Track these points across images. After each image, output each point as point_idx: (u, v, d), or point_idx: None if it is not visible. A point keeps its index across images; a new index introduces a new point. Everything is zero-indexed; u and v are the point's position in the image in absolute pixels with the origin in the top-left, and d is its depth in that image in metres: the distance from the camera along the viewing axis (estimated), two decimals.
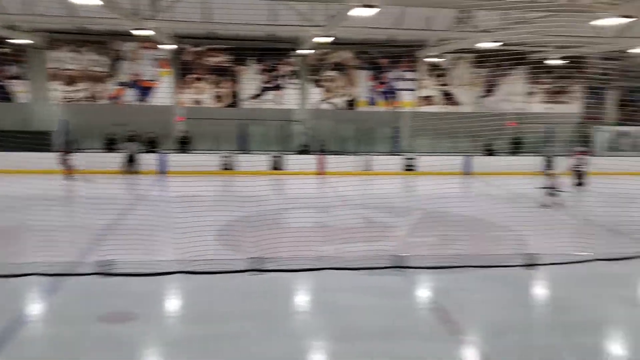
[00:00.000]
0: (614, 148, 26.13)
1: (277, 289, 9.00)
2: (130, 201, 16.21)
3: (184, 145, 23.54)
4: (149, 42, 22.31)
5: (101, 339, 7.12)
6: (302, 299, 9.10)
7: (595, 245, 11.06)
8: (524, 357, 6.97)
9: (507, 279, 9.65)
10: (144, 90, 23.19)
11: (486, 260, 10.26)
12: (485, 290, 9.30)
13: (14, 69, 22.88)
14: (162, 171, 22.32)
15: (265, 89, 23.80)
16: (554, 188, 16.37)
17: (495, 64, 24.84)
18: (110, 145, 22.92)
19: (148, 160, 22.09)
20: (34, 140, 19.92)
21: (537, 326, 7.88)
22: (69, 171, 19.31)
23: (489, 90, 25.28)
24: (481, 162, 23.76)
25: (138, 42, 22.46)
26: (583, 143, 25.84)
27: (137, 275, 9.22)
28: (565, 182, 18.86)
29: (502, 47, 21.00)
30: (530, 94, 25.54)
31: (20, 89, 23.05)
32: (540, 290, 9.75)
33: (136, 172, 21.96)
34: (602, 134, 26.19)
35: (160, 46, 22.11)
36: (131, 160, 21.98)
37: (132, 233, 10.84)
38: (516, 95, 25.37)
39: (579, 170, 20.31)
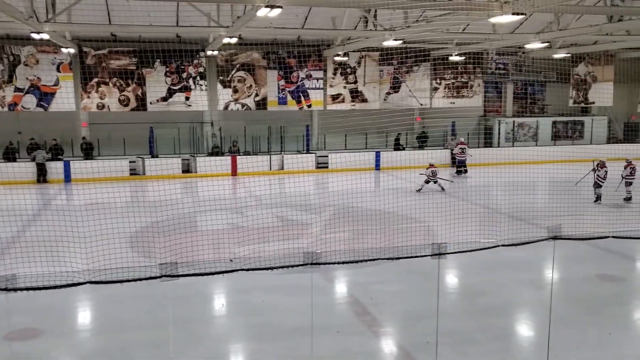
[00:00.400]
0: (514, 139, 27.78)
1: (193, 293, 8.88)
2: (35, 211, 15.34)
3: (88, 151, 22.56)
4: (48, 46, 21.18)
5: (8, 357, 6.76)
6: (218, 302, 9.03)
7: (499, 231, 11.74)
8: (438, 342, 7.30)
9: (418, 269, 10.03)
10: (45, 95, 21.96)
11: (398, 252, 10.61)
12: (398, 282, 9.66)
13: None
14: (68, 179, 21.34)
15: (173, 91, 23.23)
16: (433, 176, 18.62)
17: (400, 61, 25.68)
18: (9, 154, 21.54)
19: (53, 168, 21.04)
20: None
21: (449, 312, 8.27)
22: None
23: (395, 87, 26.07)
24: (390, 157, 24.48)
25: (36, 45, 21.26)
26: (485, 135, 27.37)
27: (43, 289, 8.75)
28: (446, 171, 20.42)
29: (405, 45, 21.72)
30: (435, 89, 26.61)
31: None
32: (450, 278, 10.23)
33: (45, 181, 21.00)
34: (502, 125, 27.76)
35: (60, 50, 21.07)
36: (40, 169, 21.05)
37: (36, 244, 10.29)
38: (421, 91, 26.34)
39: (459, 159, 21.99)
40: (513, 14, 13.14)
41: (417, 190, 18.42)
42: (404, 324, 8.03)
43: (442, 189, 18.72)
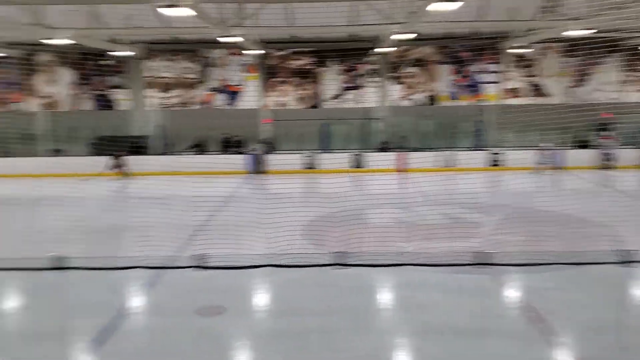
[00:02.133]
0: None
1: (361, 284, 9.17)
2: (223, 199, 16.78)
3: (268, 146, 24.26)
4: (236, 49, 23.16)
5: (197, 331, 7.56)
6: (386, 295, 9.21)
7: None
8: (619, 358, 6.73)
9: (601, 278, 9.28)
10: (232, 94, 24.13)
11: (578, 258, 9.90)
12: (577, 290, 8.99)
13: (115, 79, 24.51)
14: (250, 171, 23.17)
15: (345, 89, 24.06)
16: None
17: (587, 52, 23.69)
18: (199, 147, 24.01)
19: (236, 160, 22.86)
20: (132, 144, 21.55)
21: (636, 327, 7.56)
22: (165, 172, 21.06)
23: (580, 80, 24.13)
24: (573, 155, 22.72)
25: (226, 49, 23.41)
26: None
27: (229, 269, 9.69)
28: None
29: (593, 35, 19.98)
30: (625, 82, 24.12)
31: (120, 97, 24.66)
32: (638, 289, 9.31)
33: (262, 172, 22.91)
34: None
35: (246, 52, 22.91)
36: (258, 160, 23.04)
37: (224, 229, 11.38)
38: (610, 84, 24.04)
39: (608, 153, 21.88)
40: None
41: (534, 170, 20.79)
42: (583, 336, 7.48)
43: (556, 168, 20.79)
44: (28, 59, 23.92)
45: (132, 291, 9.22)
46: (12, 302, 9.10)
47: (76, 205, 14.17)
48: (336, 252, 9.95)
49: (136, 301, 8.89)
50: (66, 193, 14.76)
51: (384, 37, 21.54)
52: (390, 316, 8.30)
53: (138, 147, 22.82)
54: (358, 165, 23.63)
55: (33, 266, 9.90)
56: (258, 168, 23.17)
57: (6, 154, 23.84)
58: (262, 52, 23.39)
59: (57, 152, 24.06)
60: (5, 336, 7.63)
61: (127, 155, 21.56)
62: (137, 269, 9.81)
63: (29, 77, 24.28)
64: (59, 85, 24.51)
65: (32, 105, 24.64)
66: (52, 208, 13.52)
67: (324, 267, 9.74)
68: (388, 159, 22.91)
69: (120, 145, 20.90)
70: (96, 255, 10.50)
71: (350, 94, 24.11)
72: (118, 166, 21.39)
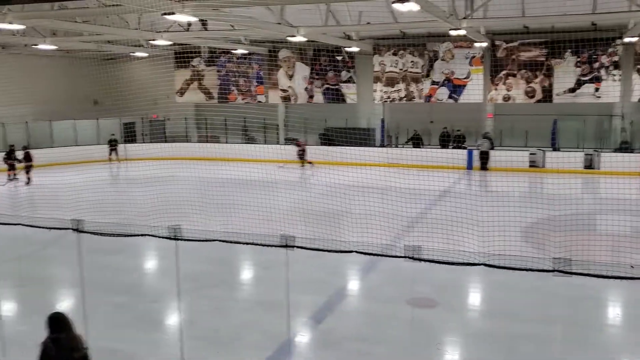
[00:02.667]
0: None
1: (584, 295, 8.46)
2: (439, 194, 16.75)
3: (491, 141, 23.41)
4: (462, 41, 22.76)
5: (406, 321, 7.75)
6: (612, 311, 8.37)
7: None
8: None
9: None
10: (456, 87, 23.77)
11: None
12: None
13: (345, 74, 25.90)
14: (470, 167, 22.69)
15: (582, 82, 22.00)
16: None
17: None
18: (417, 140, 24.22)
19: (456, 155, 22.55)
20: (359, 136, 22.72)
21: None
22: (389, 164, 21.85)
23: None
24: None
25: (452, 42, 23.15)
26: None
27: (441, 263, 9.65)
28: None
29: None
30: None
31: (349, 91, 26.00)
32: None
33: (484, 168, 22.57)
34: None
35: (472, 44, 22.37)
36: (479, 156, 22.82)
37: (438, 223, 11.40)
38: None
39: None
40: None
41: None
42: None
43: None
44: (270, 55, 26.53)
45: (349, 274, 9.79)
46: (247, 273, 10.34)
47: (297, 189, 15.41)
48: (558, 258, 9.29)
49: (352, 284, 9.43)
50: (290, 177, 16.13)
51: (632, 26, 19.24)
52: (618, 334, 7.54)
53: (363, 139, 23.86)
54: (591, 165, 21.62)
55: (264, 242, 11.04)
56: (479, 164, 22.61)
57: (250, 140, 26.95)
58: (489, 43, 22.60)
59: (292, 141, 26.39)
60: (235, 301, 8.72)
61: (307, 144, 23.67)
62: (354, 253, 10.33)
63: (271, 72, 26.93)
64: (296, 80, 26.74)
65: (274, 97, 27.30)
66: (279, 190, 14.85)
67: (542, 273, 9.16)
68: (629, 160, 20.48)
69: (346, 137, 22.11)
70: (317, 236, 11.31)
71: (587, 88, 22.02)
72: (301, 154, 23.25)
